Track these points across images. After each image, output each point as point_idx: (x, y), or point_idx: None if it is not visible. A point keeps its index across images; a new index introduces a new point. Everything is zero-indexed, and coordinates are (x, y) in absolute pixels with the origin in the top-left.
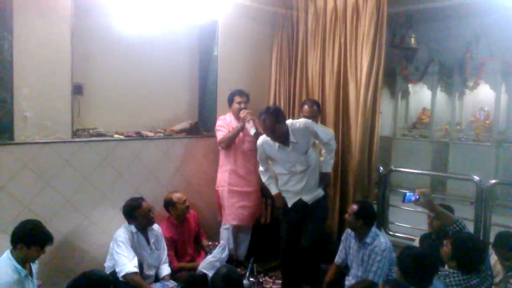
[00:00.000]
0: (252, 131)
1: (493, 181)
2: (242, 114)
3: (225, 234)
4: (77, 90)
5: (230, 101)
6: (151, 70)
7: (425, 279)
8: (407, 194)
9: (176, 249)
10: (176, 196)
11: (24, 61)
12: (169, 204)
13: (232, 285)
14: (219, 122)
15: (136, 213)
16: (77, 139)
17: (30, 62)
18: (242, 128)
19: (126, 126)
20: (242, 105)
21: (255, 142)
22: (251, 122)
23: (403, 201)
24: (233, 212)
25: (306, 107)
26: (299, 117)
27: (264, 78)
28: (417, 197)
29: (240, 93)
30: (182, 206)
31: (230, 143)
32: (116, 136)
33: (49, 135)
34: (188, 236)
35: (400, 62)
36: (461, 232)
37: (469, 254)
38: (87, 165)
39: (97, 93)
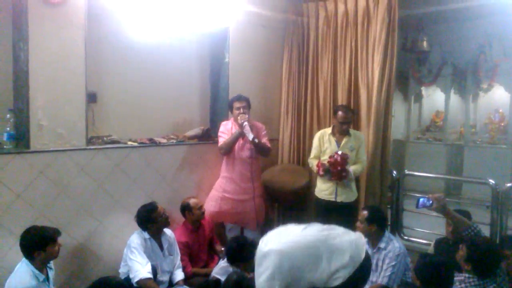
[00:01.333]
0: (250, 137)
1: (509, 185)
2: (240, 119)
3: (231, 234)
4: (91, 98)
5: (231, 107)
6: (163, 77)
7: (444, 286)
8: (421, 199)
9: (191, 254)
10: (193, 201)
11: (39, 70)
12: (185, 208)
13: None
14: (221, 128)
15: (154, 216)
16: (92, 147)
17: (45, 71)
18: (241, 134)
19: (139, 132)
20: (241, 110)
21: (255, 150)
22: (247, 126)
23: (417, 206)
24: (233, 216)
25: (340, 113)
26: (331, 123)
27: (275, 84)
28: (431, 202)
29: (239, 98)
30: (198, 211)
31: (229, 149)
32: (129, 143)
33: (64, 143)
34: (203, 242)
35: (413, 65)
36: (476, 236)
37: (484, 257)
38: (101, 172)
39: (110, 100)
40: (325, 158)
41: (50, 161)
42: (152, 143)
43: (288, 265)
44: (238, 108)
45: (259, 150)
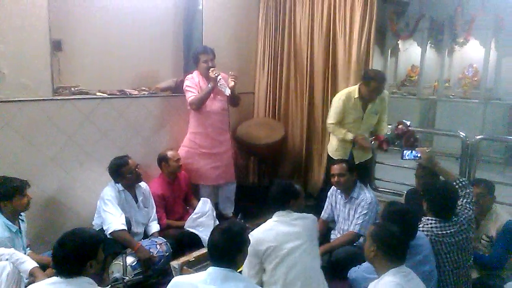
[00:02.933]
0: (227, 92)
1: (478, 137)
2: (212, 73)
3: (205, 191)
4: (56, 46)
5: (196, 60)
6: (134, 25)
7: (409, 233)
8: (405, 151)
9: (166, 206)
10: (171, 153)
11: None
12: (162, 159)
13: (230, 237)
14: (187, 82)
15: (123, 170)
16: (59, 97)
17: (4, 17)
18: (214, 88)
19: (109, 84)
20: (209, 64)
21: (227, 101)
22: (222, 80)
23: (402, 158)
24: (206, 173)
25: (375, 84)
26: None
27: (251, 34)
28: (418, 155)
29: (205, 51)
30: (174, 163)
31: (201, 104)
32: (99, 94)
33: (29, 93)
34: (179, 195)
35: (391, 17)
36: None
37: (438, 197)
38: (70, 123)
39: (77, 49)
40: (348, 122)
41: (15, 112)
42: (123, 94)
43: None
44: (206, 61)
45: (232, 100)
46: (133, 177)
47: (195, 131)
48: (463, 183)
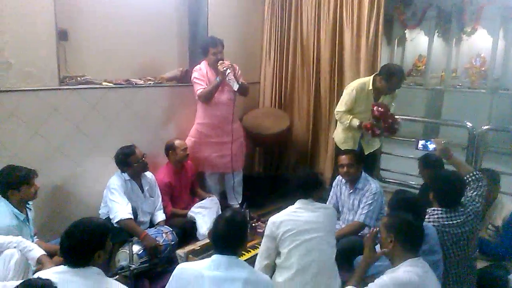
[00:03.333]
0: (236, 87)
1: (485, 127)
2: (221, 67)
3: (211, 180)
4: (62, 36)
5: (205, 52)
6: (140, 15)
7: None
8: (421, 141)
9: (172, 195)
10: (178, 142)
11: (2, 5)
12: (170, 148)
13: (233, 226)
14: (195, 74)
15: (130, 160)
16: (65, 87)
17: (9, 7)
18: (222, 82)
19: (115, 73)
20: (219, 56)
21: (235, 92)
22: (231, 75)
23: (416, 147)
24: (213, 161)
25: (396, 80)
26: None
27: (257, 23)
28: (434, 146)
29: (215, 43)
30: (182, 152)
31: (210, 97)
32: (105, 84)
33: (35, 82)
34: (185, 184)
35: (398, 6)
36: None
37: (444, 186)
38: (76, 113)
39: (83, 39)
40: (359, 112)
41: (21, 101)
42: (129, 84)
43: None
44: (215, 54)
45: (242, 91)
46: (140, 166)
47: (202, 121)
48: (477, 176)
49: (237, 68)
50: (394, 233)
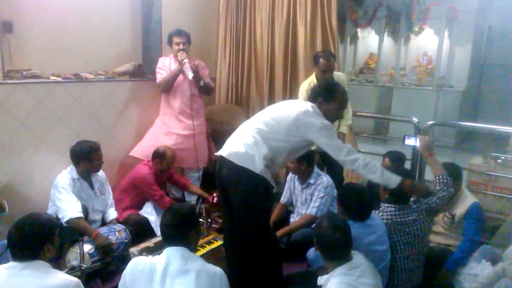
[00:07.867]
0: (190, 75)
1: (430, 122)
2: (180, 56)
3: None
4: (6, 27)
5: (170, 42)
6: (90, 7)
7: (363, 213)
8: (407, 136)
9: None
10: (169, 154)
11: None
12: (158, 156)
13: (179, 216)
14: (158, 64)
15: (93, 155)
16: (9, 81)
17: None
18: (181, 71)
19: (63, 67)
20: (181, 46)
21: (194, 85)
22: (187, 64)
23: (403, 143)
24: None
25: (322, 60)
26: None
27: (212, 19)
28: (417, 141)
29: (179, 33)
30: (167, 165)
31: (168, 86)
32: (52, 78)
33: None
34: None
35: (350, 6)
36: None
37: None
38: (22, 109)
39: (29, 31)
40: None
41: None
42: (78, 78)
43: None
44: (178, 44)
45: (201, 89)
46: (97, 165)
47: (164, 112)
48: (446, 180)
49: (205, 66)
50: (318, 245)
